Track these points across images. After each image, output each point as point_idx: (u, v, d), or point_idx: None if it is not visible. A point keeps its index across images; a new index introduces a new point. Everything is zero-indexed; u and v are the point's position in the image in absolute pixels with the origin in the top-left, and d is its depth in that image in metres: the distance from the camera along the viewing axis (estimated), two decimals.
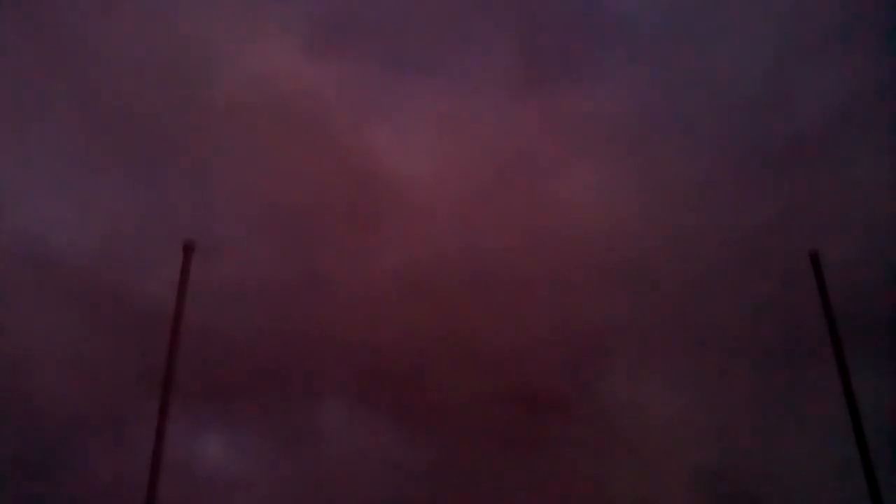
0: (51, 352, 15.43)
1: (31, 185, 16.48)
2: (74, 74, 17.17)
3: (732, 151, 18.55)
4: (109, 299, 15.99)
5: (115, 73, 17.36)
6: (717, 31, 19.19)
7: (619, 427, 16.83)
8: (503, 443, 16.86)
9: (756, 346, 16.57)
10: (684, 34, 19.19)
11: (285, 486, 15.94)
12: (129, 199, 17.18)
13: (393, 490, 15.89)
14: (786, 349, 16.10)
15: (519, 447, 16.78)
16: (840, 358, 10.79)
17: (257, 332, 16.54)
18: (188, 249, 10.42)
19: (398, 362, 17.09)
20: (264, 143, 17.74)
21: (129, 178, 17.33)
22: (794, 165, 17.94)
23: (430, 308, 17.38)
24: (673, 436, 16.47)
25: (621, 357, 17.67)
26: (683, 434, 16.46)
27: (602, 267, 17.79)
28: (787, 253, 14.63)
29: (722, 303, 17.19)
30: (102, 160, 17.14)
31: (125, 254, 16.41)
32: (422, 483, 16.10)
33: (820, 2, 18.25)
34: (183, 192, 17.37)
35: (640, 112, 18.76)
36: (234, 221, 17.32)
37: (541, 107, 19.26)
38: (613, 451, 16.51)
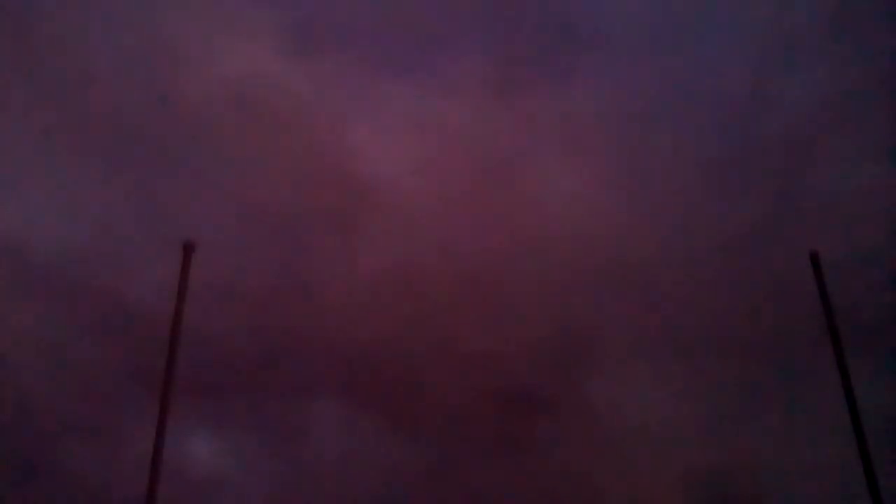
0: (44, 353, 15.44)
1: (20, 187, 16.51)
2: (61, 74, 17.20)
3: (721, 150, 18.58)
4: (102, 300, 16.01)
5: (101, 73, 17.40)
6: (700, 29, 19.22)
7: (611, 427, 16.84)
8: (492, 443, 16.88)
9: (756, 345, 16.57)
10: (666, 34, 19.23)
11: (277, 486, 15.96)
12: (113, 198, 17.22)
13: (383, 490, 15.91)
14: (786, 349, 16.10)
15: (508, 447, 16.80)
16: (840, 358, 10.78)
17: (247, 333, 16.56)
18: (188, 249, 10.39)
19: (387, 363, 17.12)
20: (246, 145, 17.79)
21: (113, 178, 17.35)
22: (785, 165, 17.97)
23: (418, 309, 17.41)
24: (669, 436, 16.47)
25: (613, 357, 17.68)
26: (680, 435, 16.45)
27: (592, 267, 17.81)
28: (787, 253, 14.62)
29: (720, 303, 17.20)
30: (86, 160, 17.18)
31: (112, 254, 16.44)
32: (412, 483, 16.12)
33: None
34: (167, 193, 17.41)
35: (623, 112, 18.81)
36: (220, 222, 17.33)
37: (521, 107, 19.31)
38: (605, 452, 16.52)
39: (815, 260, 11.35)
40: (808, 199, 17.41)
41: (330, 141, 18.46)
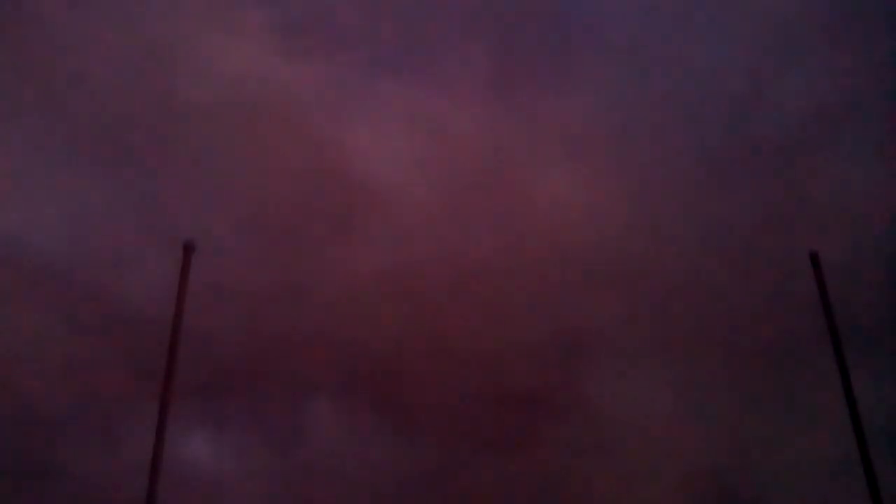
0: (44, 353, 15.44)
1: (20, 187, 16.52)
2: (59, 75, 17.20)
3: (721, 150, 18.59)
4: (102, 300, 16.02)
5: (100, 73, 17.42)
6: (700, 29, 19.24)
7: (611, 427, 16.84)
8: (491, 443, 16.88)
9: (756, 346, 16.58)
10: (663, 35, 19.23)
11: (277, 486, 15.96)
12: (113, 198, 17.23)
13: (383, 490, 15.92)
14: (785, 349, 16.10)
15: (507, 447, 16.81)
16: (840, 358, 10.78)
17: (247, 333, 16.56)
18: (188, 249, 10.40)
19: (387, 363, 17.12)
20: (246, 145, 17.79)
21: (113, 178, 17.36)
22: (785, 165, 17.98)
23: (417, 309, 17.41)
24: (668, 436, 16.47)
25: (613, 357, 17.68)
26: (680, 435, 16.46)
27: (591, 267, 17.81)
28: (787, 253, 14.63)
29: (720, 303, 17.20)
30: (85, 160, 17.19)
31: (112, 254, 16.45)
32: (409, 482, 16.13)
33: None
34: (167, 193, 17.42)
35: (623, 112, 18.82)
36: (220, 223, 17.34)
37: (520, 108, 19.31)
38: (605, 452, 16.52)
39: (815, 260, 11.35)
40: (808, 199, 17.42)
41: (330, 141, 18.46)
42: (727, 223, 17.73)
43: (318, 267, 17.75)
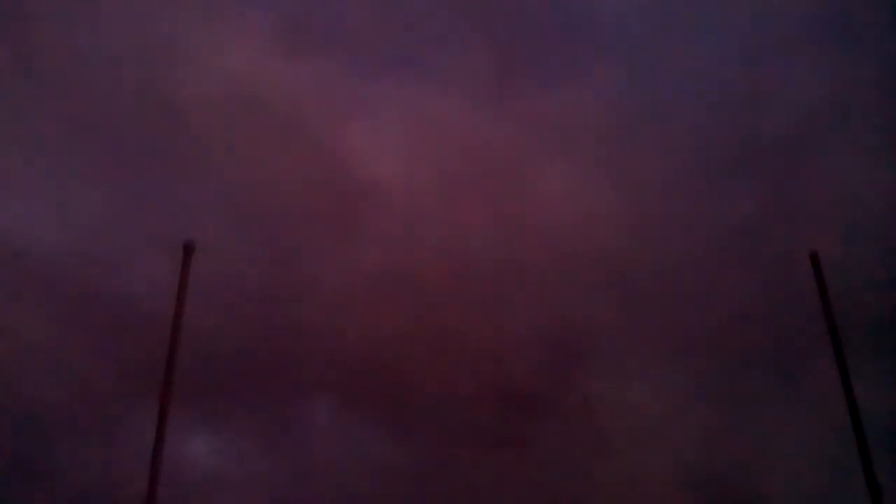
0: (44, 353, 15.43)
1: (19, 187, 16.52)
2: (59, 75, 17.19)
3: (720, 150, 18.61)
4: (101, 300, 16.01)
5: (100, 73, 17.41)
6: (699, 28, 19.24)
7: (610, 427, 16.84)
8: (491, 442, 16.90)
9: (756, 345, 16.58)
10: (665, 33, 19.24)
11: (277, 486, 15.97)
12: (113, 198, 17.23)
13: (379, 488, 15.92)
14: (785, 349, 16.11)
15: (503, 446, 16.82)
16: (840, 358, 10.78)
17: (246, 333, 16.57)
18: (188, 249, 10.40)
19: (387, 363, 17.13)
20: (245, 145, 17.80)
21: (112, 178, 17.36)
22: (785, 164, 17.99)
23: (417, 309, 17.42)
24: (668, 436, 16.47)
25: (613, 356, 17.69)
26: (680, 434, 16.46)
27: (591, 266, 17.83)
28: (787, 253, 14.63)
29: (720, 303, 17.20)
30: (85, 160, 17.19)
31: (112, 254, 16.45)
32: (408, 481, 16.14)
33: None
34: (167, 193, 17.41)
35: (623, 112, 18.82)
36: (220, 222, 17.33)
37: (520, 107, 19.32)
38: (604, 451, 16.53)
39: (815, 260, 11.35)
40: (808, 199, 17.43)
41: (330, 141, 18.47)
42: (727, 223, 17.74)
43: (318, 267, 17.76)
